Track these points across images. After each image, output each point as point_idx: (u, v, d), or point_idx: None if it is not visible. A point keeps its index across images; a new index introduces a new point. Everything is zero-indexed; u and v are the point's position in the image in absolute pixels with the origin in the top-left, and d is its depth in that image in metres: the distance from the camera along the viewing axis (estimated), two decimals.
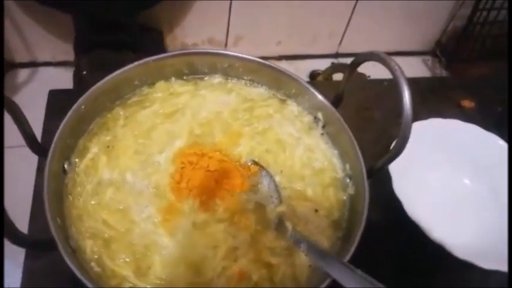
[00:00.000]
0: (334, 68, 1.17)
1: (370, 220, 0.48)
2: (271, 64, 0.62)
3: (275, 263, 0.47)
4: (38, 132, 0.53)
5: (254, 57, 0.61)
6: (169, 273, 0.45)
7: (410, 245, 0.62)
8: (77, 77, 1.02)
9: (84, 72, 0.95)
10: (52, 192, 0.45)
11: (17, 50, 1.09)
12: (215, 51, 0.64)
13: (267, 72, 0.63)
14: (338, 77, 1.30)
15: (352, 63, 0.54)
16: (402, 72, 0.47)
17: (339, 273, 0.39)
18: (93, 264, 0.45)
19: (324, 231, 0.51)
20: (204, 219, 0.49)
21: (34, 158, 0.63)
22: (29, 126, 0.46)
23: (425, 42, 1.51)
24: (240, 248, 0.47)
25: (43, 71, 1.13)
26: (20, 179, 0.66)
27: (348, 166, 0.56)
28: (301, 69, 1.29)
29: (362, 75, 1.04)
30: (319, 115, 0.60)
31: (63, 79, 1.12)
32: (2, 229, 0.52)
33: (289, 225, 0.48)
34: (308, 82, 0.61)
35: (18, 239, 0.36)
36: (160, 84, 0.61)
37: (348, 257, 0.44)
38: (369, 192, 0.49)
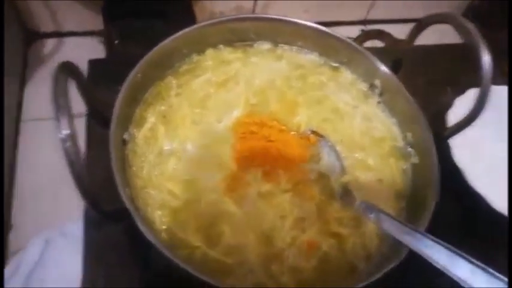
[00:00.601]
0: (367, 35, 1.12)
1: None
2: (324, 29, 0.59)
3: (345, 234, 0.46)
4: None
5: (307, 21, 0.59)
6: (239, 242, 0.44)
7: (469, 214, 0.61)
8: (108, 47, 0.99)
9: (116, 42, 0.93)
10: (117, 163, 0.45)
11: (41, 20, 1.06)
12: (266, 16, 0.62)
13: (318, 38, 0.60)
14: (368, 44, 1.25)
15: (417, 25, 0.52)
16: (479, 35, 0.45)
17: (417, 242, 0.39)
18: (163, 234, 0.44)
19: (387, 201, 0.50)
20: (269, 189, 0.48)
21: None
22: (93, 94, 0.44)
23: (456, 7, 1.45)
24: (307, 219, 0.47)
25: (69, 41, 1.10)
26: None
27: (409, 135, 0.55)
28: None
29: (399, 41, 1.00)
30: (377, 82, 0.58)
31: (90, 49, 1.09)
32: (2, 228, 0.52)
33: (357, 195, 0.47)
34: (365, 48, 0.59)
35: (101, 209, 0.36)
36: (210, 52, 0.59)
37: (425, 226, 0.43)
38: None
